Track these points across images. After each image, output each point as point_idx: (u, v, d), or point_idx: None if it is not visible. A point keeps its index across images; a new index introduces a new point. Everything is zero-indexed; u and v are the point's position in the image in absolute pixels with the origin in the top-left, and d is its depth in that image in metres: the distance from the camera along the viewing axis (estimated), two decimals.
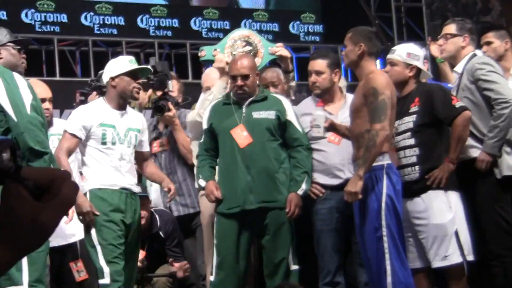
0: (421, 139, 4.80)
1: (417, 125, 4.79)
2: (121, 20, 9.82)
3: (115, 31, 9.76)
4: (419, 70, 4.95)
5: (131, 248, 4.84)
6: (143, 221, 5.18)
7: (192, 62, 9.69)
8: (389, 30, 11.00)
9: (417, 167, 4.80)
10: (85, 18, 9.62)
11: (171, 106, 5.44)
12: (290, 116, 4.92)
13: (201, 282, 5.55)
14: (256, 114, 4.89)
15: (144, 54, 9.69)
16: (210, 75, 5.52)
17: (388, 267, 4.44)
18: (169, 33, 10.05)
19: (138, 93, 4.99)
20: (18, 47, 4.53)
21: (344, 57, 4.78)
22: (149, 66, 5.31)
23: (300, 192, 4.82)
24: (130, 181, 4.88)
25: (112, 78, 4.89)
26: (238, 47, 5.37)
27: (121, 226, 4.74)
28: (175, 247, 5.63)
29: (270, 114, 4.89)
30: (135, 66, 4.94)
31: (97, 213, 4.70)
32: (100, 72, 5.40)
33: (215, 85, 5.24)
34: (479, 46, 5.40)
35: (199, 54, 5.39)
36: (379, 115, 4.47)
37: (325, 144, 5.01)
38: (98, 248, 4.68)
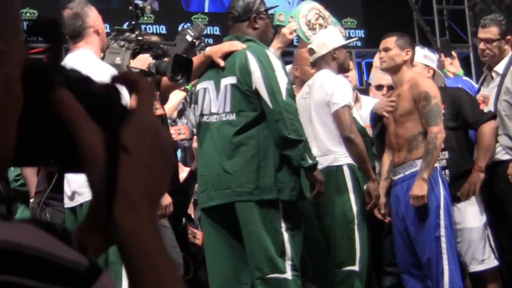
0: (449, 143, 4.79)
1: (444, 127, 4.77)
2: (216, 30, 9.98)
3: (211, 41, 9.88)
4: (433, 73, 5.03)
5: None
6: None
7: None
8: (432, 33, 10.90)
9: (447, 171, 4.79)
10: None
11: None
12: None
13: None
14: None
15: None
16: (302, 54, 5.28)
17: (446, 267, 4.46)
18: None
19: None
20: (271, 16, 4.31)
21: (387, 60, 4.74)
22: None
23: None
24: None
25: None
26: (312, 18, 5.30)
27: None
28: None
29: None
30: None
31: None
32: None
33: None
34: None
35: (277, 18, 5.11)
36: (435, 118, 4.54)
37: None
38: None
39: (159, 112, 4.41)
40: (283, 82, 4.01)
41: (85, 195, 3.74)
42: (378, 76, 5.53)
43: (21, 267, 0.68)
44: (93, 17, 4.02)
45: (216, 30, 10.16)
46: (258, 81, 3.99)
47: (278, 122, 3.92)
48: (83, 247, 0.73)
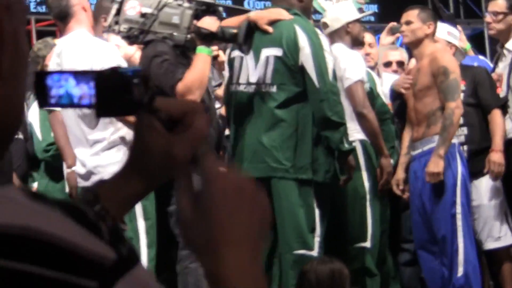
0: (469, 119, 4.77)
1: (464, 103, 4.73)
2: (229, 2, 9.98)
3: (224, 15, 9.88)
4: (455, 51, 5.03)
5: None
6: None
7: None
8: (446, 8, 10.82)
9: (465, 147, 4.77)
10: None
11: None
12: None
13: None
14: None
15: None
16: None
17: (461, 245, 4.45)
18: None
19: None
20: None
21: (409, 33, 4.70)
22: None
23: None
24: None
25: None
26: None
27: None
28: None
29: None
30: None
31: None
32: None
33: None
34: None
35: None
36: (452, 94, 4.50)
37: None
38: None
39: None
40: (330, 62, 3.98)
41: (102, 174, 3.66)
42: (384, 53, 5.48)
43: (40, 256, 0.64)
44: None
45: (229, 3, 10.12)
46: (306, 58, 3.94)
47: (322, 102, 3.89)
48: (115, 237, 0.69)
